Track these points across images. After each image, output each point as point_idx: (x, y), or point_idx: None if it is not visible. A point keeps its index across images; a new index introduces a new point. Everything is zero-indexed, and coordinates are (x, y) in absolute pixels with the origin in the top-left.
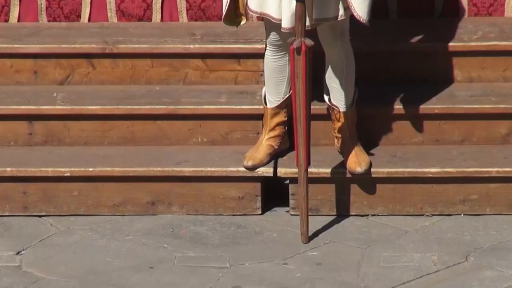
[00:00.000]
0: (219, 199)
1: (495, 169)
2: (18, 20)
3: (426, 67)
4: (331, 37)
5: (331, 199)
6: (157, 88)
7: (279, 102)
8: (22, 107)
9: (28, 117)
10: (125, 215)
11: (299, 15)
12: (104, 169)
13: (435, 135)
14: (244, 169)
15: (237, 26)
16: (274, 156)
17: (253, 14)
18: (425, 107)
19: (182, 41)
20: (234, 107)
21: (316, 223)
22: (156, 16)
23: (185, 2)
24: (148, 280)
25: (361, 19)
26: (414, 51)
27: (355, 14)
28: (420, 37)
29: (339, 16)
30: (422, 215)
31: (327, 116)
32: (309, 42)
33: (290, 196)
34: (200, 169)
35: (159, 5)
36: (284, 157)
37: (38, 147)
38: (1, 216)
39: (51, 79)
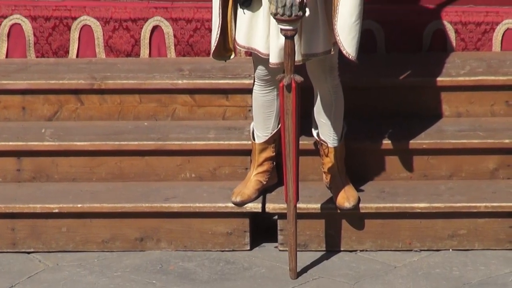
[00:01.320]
0: (207, 235)
1: (484, 204)
2: (6, 56)
3: (414, 102)
4: (320, 72)
5: (320, 235)
6: (146, 123)
7: (267, 137)
8: (10, 143)
9: (17, 153)
10: (113, 251)
11: (289, 51)
12: (93, 205)
13: (424, 170)
14: (233, 204)
15: (225, 61)
16: (263, 192)
17: (241, 49)
18: (413, 142)
19: (170, 76)
20: (222, 142)
21: (304, 258)
22: (144, 51)
23: (173, 38)
24: None
25: (350, 56)
26: (402, 86)
27: (343, 51)
28: (408, 71)
29: (328, 52)
30: (411, 250)
31: (315, 151)
32: (298, 78)
33: (279, 232)
34: (189, 205)
35: (147, 40)
36: (273, 193)
37: (26, 183)
38: None
39: (39, 115)
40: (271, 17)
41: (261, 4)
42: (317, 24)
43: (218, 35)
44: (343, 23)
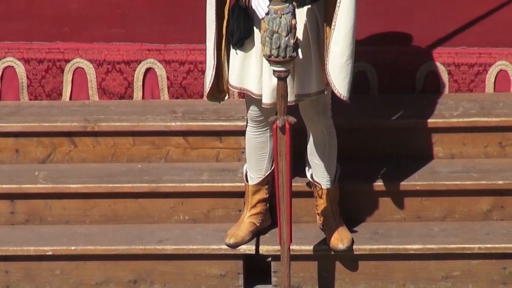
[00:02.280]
0: (201, 277)
1: (477, 246)
2: (0, 99)
3: (408, 143)
4: (313, 113)
5: (314, 276)
6: (139, 166)
7: (260, 179)
8: (4, 186)
9: (10, 196)
10: None
11: (282, 93)
12: (86, 247)
13: (417, 212)
14: (226, 247)
15: (219, 102)
16: (256, 233)
17: (234, 90)
18: (406, 184)
19: (163, 118)
20: (215, 184)
21: None
22: (138, 94)
23: (166, 80)
24: None
25: (342, 96)
26: (396, 127)
27: (335, 91)
28: (401, 113)
29: (321, 92)
30: None
31: (309, 193)
32: (292, 119)
33: (273, 274)
34: (182, 247)
35: (140, 83)
36: (266, 234)
37: (20, 226)
38: None
39: (32, 158)
40: (264, 58)
41: (253, 45)
42: (309, 65)
43: (213, 77)
44: (335, 62)
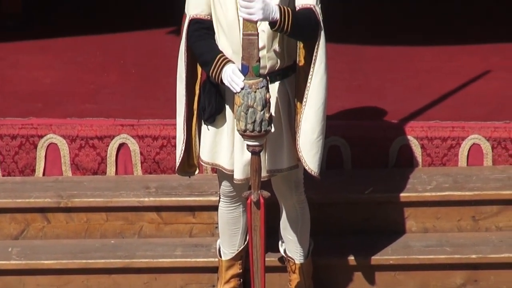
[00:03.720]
0: None
1: None
2: None
3: (381, 218)
4: (285, 188)
5: None
6: (112, 241)
7: (233, 254)
8: None
9: None
10: None
11: (256, 167)
12: None
13: (391, 286)
14: None
15: (189, 177)
16: None
17: (206, 166)
18: (380, 258)
19: (136, 194)
20: (189, 260)
21: None
22: (111, 169)
23: (139, 155)
24: None
25: (312, 172)
26: (369, 201)
27: (306, 167)
28: (374, 187)
29: (293, 168)
30: None
31: (283, 268)
32: (266, 193)
33: None
34: None
35: (113, 158)
36: None
37: None
38: None
39: (6, 234)
40: (235, 133)
41: (225, 121)
42: (281, 140)
43: (182, 152)
44: (306, 139)
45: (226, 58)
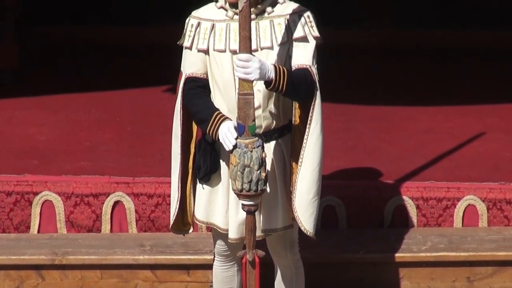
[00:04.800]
0: None
1: None
2: None
3: (376, 278)
4: (280, 248)
5: None
6: None
7: None
8: None
9: None
10: None
11: (251, 227)
12: None
13: None
14: None
15: (183, 235)
16: None
17: (201, 224)
18: None
19: (131, 252)
20: None
21: None
22: (106, 227)
23: (134, 213)
24: None
25: (308, 233)
26: (364, 261)
27: (301, 228)
28: (369, 247)
29: (288, 227)
30: None
31: None
32: (261, 253)
33: None
34: None
35: (108, 216)
36: None
37: None
38: None
39: None
40: (230, 192)
41: (220, 180)
42: (276, 200)
43: (176, 210)
44: (301, 199)
45: (223, 115)
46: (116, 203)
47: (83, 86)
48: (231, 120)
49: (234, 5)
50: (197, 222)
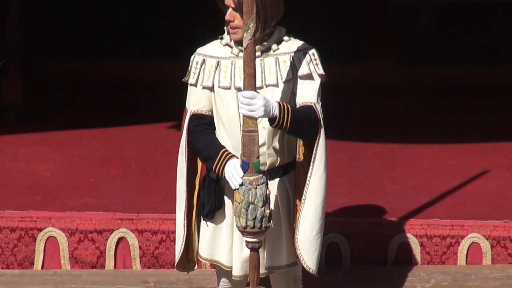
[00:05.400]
0: None
1: None
2: None
3: None
4: (283, 285)
5: None
6: None
7: None
8: None
9: None
10: None
11: (255, 264)
12: None
13: None
14: None
15: (188, 272)
16: None
17: (205, 262)
18: None
19: None
20: None
21: None
22: (110, 263)
23: (138, 249)
24: None
25: (311, 270)
26: None
27: (304, 265)
28: (373, 285)
29: (292, 265)
30: None
31: None
32: None
33: None
34: None
35: (112, 252)
36: None
37: None
38: None
39: None
40: (234, 229)
41: (224, 217)
42: (280, 237)
43: (182, 247)
44: (304, 237)
45: (230, 153)
46: (120, 239)
47: (87, 122)
48: (237, 158)
49: (239, 43)
50: (201, 260)
